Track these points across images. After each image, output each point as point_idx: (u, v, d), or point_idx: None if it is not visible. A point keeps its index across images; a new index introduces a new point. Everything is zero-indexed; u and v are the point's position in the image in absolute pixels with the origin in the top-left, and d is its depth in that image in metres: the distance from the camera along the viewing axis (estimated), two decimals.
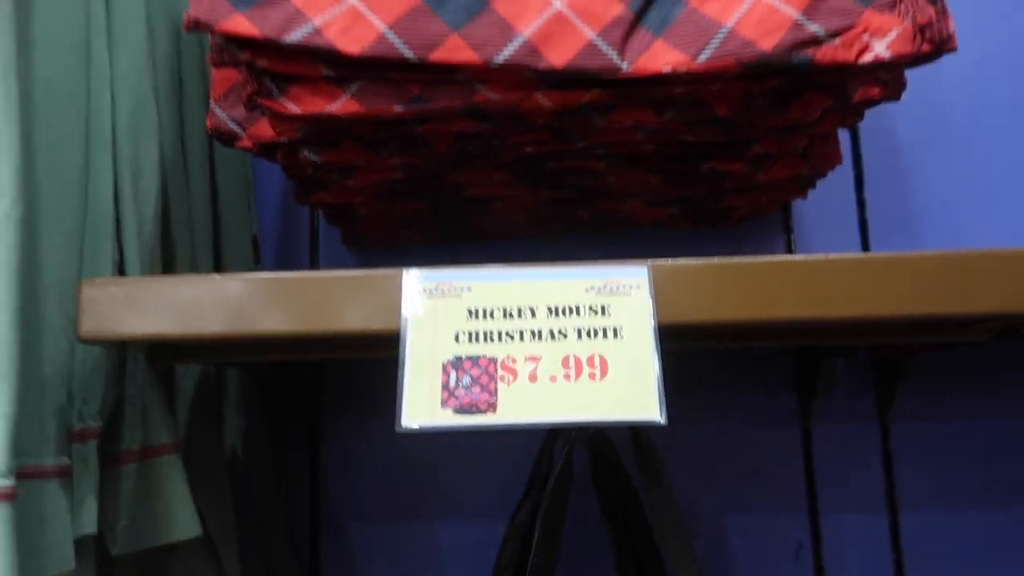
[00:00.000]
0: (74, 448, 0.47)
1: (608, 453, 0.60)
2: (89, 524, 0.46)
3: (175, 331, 0.43)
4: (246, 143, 0.55)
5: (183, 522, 0.51)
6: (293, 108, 0.47)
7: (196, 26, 0.44)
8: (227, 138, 0.55)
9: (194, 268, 0.63)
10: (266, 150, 0.56)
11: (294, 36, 0.45)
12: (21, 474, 0.42)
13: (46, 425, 0.46)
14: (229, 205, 0.70)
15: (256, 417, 0.69)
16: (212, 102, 0.54)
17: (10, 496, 0.40)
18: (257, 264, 0.74)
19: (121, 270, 0.52)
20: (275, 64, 0.46)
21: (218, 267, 0.67)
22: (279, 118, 0.48)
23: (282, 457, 0.74)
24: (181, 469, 0.51)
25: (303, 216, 0.80)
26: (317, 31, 0.45)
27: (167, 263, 0.58)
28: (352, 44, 0.45)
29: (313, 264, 0.79)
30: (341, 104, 0.47)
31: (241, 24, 0.44)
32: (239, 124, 0.54)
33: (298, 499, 0.75)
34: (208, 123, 0.55)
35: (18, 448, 0.42)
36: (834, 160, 0.62)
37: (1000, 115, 0.76)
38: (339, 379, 0.77)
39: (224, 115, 0.54)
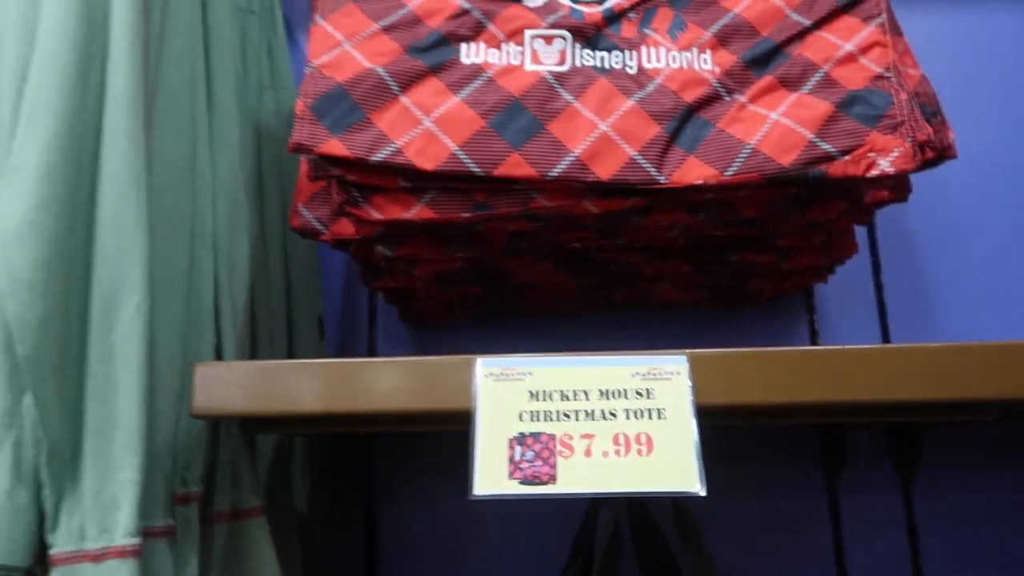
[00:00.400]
0: (177, 511, 0.54)
1: (647, 520, 0.65)
2: None
3: (276, 409, 0.50)
4: (326, 238, 0.62)
5: None
6: (376, 215, 0.54)
7: (298, 148, 0.52)
8: (311, 235, 0.63)
9: (272, 345, 0.70)
10: (342, 244, 0.64)
11: (379, 156, 0.53)
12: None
13: (157, 490, 0.52)
14: (299, 289, 0.78)
15: (319, 481, 0.75)
16: (300, 205, 0.62)
17: (138, 553, 0.46)
18: (322, 339, 0.81)
19: (219, 353, 0.59)
20: (361, 178, 0.54)
21: (290, 343, 0.74)
22: (363, 223, 0.55)
23: (340, 518, 0.79)
24: (267, 530, 0.58)
25: (362, 297, 0.87)
26: (398, 151, 0.53)
27: (252, 343, 0.66)
28: (427, 161, 0.53)
29: (371, 339, 0.86)
30: (416, 211, 0.55)
31: (335, 147, 0.53)
32: (322, 223, 0.61)
33: (354, 559, 0.80)
34: (295, 223, 0.63)
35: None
36: (851, 250, 0.69)
37: (1007, 208, 0.82)
38: (391, 449, 0.83)
39: (310, 215, 0.61)
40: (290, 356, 0.73)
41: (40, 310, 0.48)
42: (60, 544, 0.47)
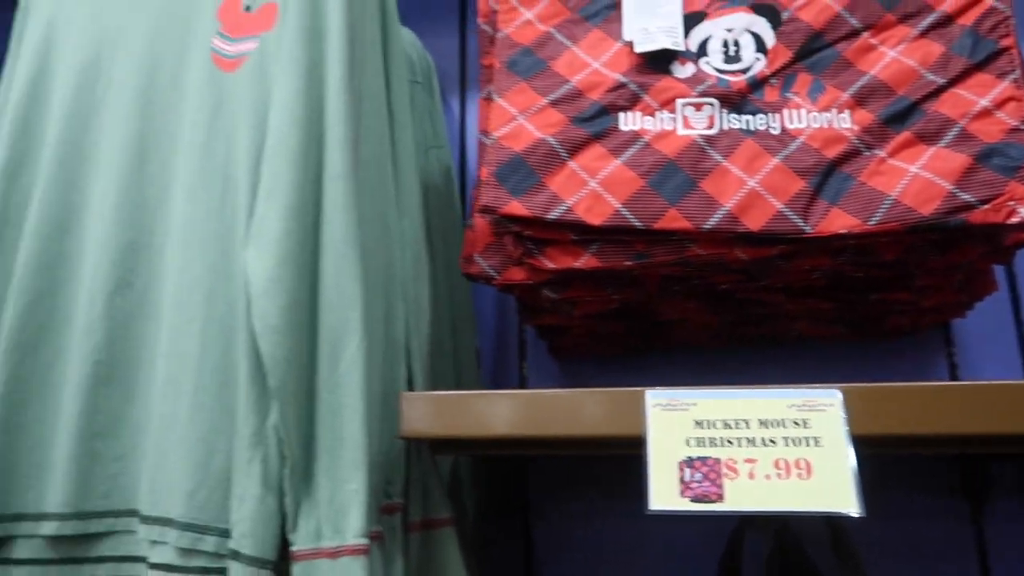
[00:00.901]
0: (383, 519, 0.63)
1: (794, 543, 0.69)
2: None
3: (469, 433, 0.58)
4: (498, 283, 0.71)
5: None
6: (549, 264, 0.63)
7: (485, 210, 0.62)
8: (484, 281, 0.71)
9: (443, 376, 0.80)
10: (509, 288, 0.72)
11: (553, 214, 0.61)
12: None
13: (370, 501, 0.61)
14: (461, 326, 0.87)
15: (484, 496, 0.84)
16: (475, 255, 0.71)
17: (367, 551, 0.55)
18: (479, 370, 0.90)
19: (410, 384, 0.68)
20: (537, 232, 0.63)
21: (457, 375, 0.83)
22: (537, 271, 0.64)
23: (499, 536, 0.88)
24: (455, 539, 0.66)
25: (512, 333, 0.96)
26: (569, 209, 0.61)
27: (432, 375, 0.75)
28: (595, 218, 0.61)
29: (522, 371, 0.94)
30: (584, 260, 0.63)
31: (516, 208, 0.61)
32: (495, 270, 0.70)
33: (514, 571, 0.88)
34: (472, 270, 0.72)
35: None
36: (990, 288, 0.72)
37: None
38: (543, 471, 0.90)
39: (484, 264, 0.70)
40: (457, 387, 0.82)
41: (285, 349, 0.58)
42: (300, 542, 0.57)
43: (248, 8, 0.72)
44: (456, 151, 1.01)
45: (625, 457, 0.85)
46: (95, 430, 0.67)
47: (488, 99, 0.71)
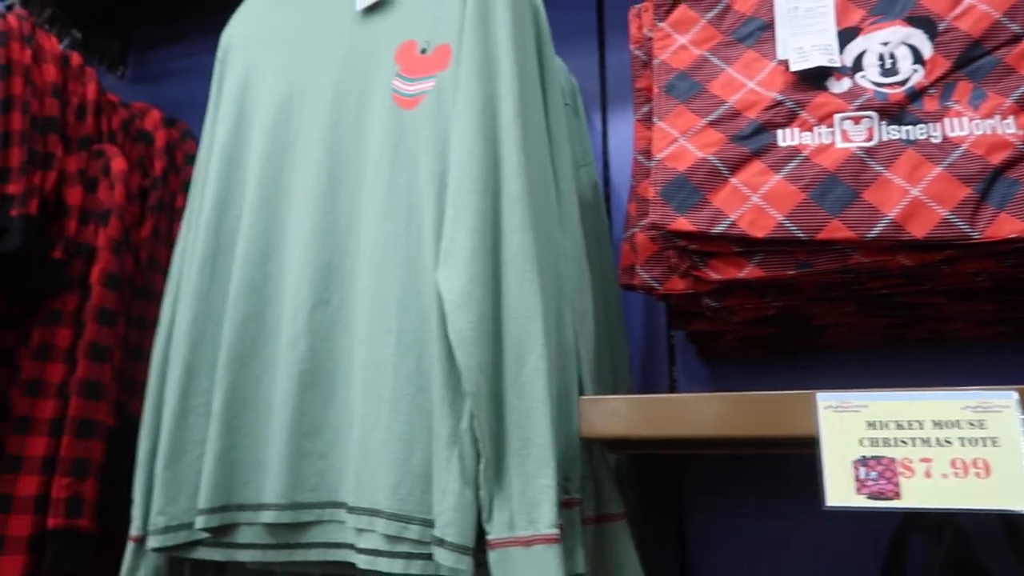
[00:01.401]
0: (563, 513, 0.69)
1: (964, 545, 0.70)
2: (579, 566, 0.67)
3: (649, 433, 0.63)
4: (659, 293, 0.76)
5: (630, 573, 0.70)
6: (713, 275, 0.67)
7: (653, 227, 0.66)
8: (645, 291, 0.76)
9: (603, 381, 0.85)
10: (667, 297, 0.77)
11: (718, 229, 0.65)
12: None
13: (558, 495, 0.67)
14: (614, 334, 0.93)
15: (639, 495, 0.88)
16: (638, 267, 0.76)
17: (559, 541, 0.61)
18: (631, 375, 0.95)
19: (580, 389, 0.74)
20: (702, 246, 0.67)
21: (614, 380, 0.89)
22: (701, 282, 0.68)
23: (654, 530, 0.92)
24: (628, 533, 0.71)
25: (660, 338, 1.00)
26: (733, 224, 0.65)
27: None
28: (758, 231, 0.65)
29: (672, 375, 0.98)
30: (748, 271, 0.66)
31: (683, 224, 0.66)
32: (656, 281, 0.75)
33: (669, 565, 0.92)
34: (635, 280, 0.77)
35: None
36: None
37: None
38: (696, 468, 0.94)
39: (646, 275, 0.75)
40: (614, 391, 0.88)
41: (477, 358, 0.65)
42: (495, 532, 0.64)
43: (424, 51, 0.80)
44: (600, 166, 1.06)
45: (782, 457, 0.88)
46: (303, 431, 0.76)
47: (646, 121, 0.76)
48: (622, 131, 1.08)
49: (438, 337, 0.68)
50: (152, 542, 0.78)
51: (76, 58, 1.13)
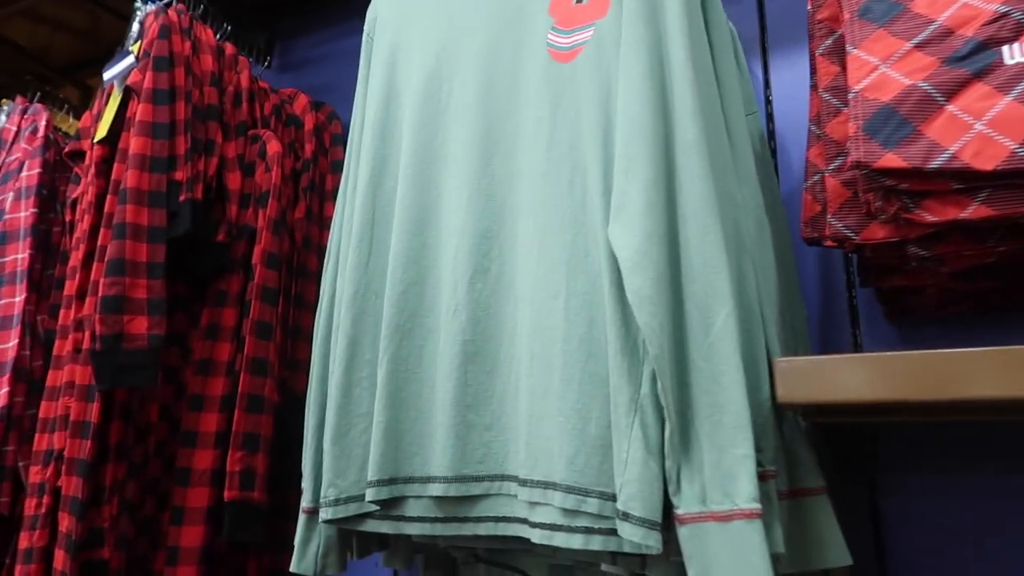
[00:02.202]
0: (759, 486, 0.63)
1: None
2: (778, 544, 0.61)
3: (853, 397, 0.56)
4: (853, 243, 0.68)
5: (835, 552, 0.63)
6: (929, 217, 0.59)
7: (857, 165, 0.59)
8: (837, 243, 0.69)
9: (786, 344, 0.78)
10: (861, 248, 0.69)
11: (935, 163, 0.57)
12: None
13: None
14: (791, 294, 0.85)
15: (830, 468, 0.80)
16: (829, 216, 0.68)
17: (760, 515, 0.56)
18: (809, 336, 0.87)
19: (768, 352, 0.67)
20: (914, 185, 0.59)
21: (794, 343, 0.81)
22: (913, 226, 0.60)
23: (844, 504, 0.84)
24: (831, 510, 0.64)
25: (840, 298, 0.91)
26: (953, 157, 0.57)
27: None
28: (985, 162, 0.56)
29: (855, 336, 0.89)
30: (972, 210, 0.58)
31: (892, 160, 0.58)
32: (851, 230, 0.67)
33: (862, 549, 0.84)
34: (823, 232, 0.69)
35: None
36: None
37: None
38: (892, 439, 0.85)
39: (839, 224, 0.68)
40: (795, 354, 0.80)
41: (660, 318, 0.60)
42: (685, 506, 0.59)
43: (580, 0, 0.75)
44: (763, 117, 0.98)
45: (986, 426, 0.78)
46: (467, 402, 0.73)
47: (831, 55, 0.68)
48: (785, 78, 1.00)
49: (611, 299, 0.64)
50: (324, 514, 0.78)
51: (230, 48, 1.17)
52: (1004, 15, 0.59)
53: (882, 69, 0.61)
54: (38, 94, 1.53)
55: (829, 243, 0.71)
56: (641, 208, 0.62)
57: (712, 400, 0.59)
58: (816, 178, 0.75)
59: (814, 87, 0.79)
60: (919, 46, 0.61)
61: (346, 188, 0.93)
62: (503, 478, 0.72)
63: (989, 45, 0.59)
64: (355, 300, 0.82)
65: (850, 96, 0.61)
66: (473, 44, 0.83)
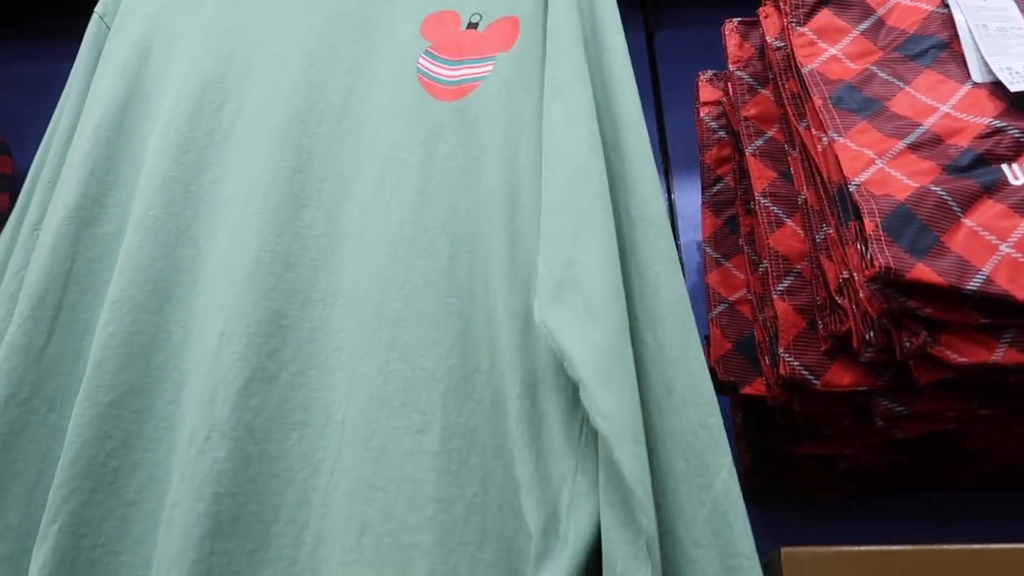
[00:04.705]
0: None
1: None
2: None
3: None
4: (815, 389, 0.51)
5: None
6: (958, 358, 0.44)
7: (881, 276, 0.43)
8: (791, 389, 0.52)
9: None
10: (808, 400, 0.53)
11: (971, 285, 0.44)
12: None
13: None
14: None
15: None
16: (781, 350, 0.51)
17: None
18: None
19: None
20: (936, 312, 0.44)
21: None
22: (934, 367, 0.45)
23: None
24: None
25: None
26: (989, 280, 0.44)
27: None
28: (1021, 291, 0.44)
29: None
30: (1002, 354, 0.44)
31: (925, 273, 0.43)
32: (811, 372, 0.51)
33: None
34: (778, 372, 0.52)
35: None
36: None
37: None
38: None
39: (796, 363, 0.51)
40: None
41: (644, 461, 0.36)
42: None
43: (474, 25, 0.54)
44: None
45: None
46: None
47: (762, 157, 0.55)
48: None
49: (537, 433, 0.38)
50: None
51: None
52: (999, 130, 0.50)
53: (879, 164, 0.49)
54: None
55: (760, 390, 0.54)
56: (606, 289, 0.39)
57: None
58: (721, 308, 0.59)
59: (706, 203, 0.66)
60: (912, 148, 0.50)
61: (14, 234, 0.56)
62: None
63: (988, 161, 0.49)
64: (5, 412, 0.45)
65: (851, 189, 0.47)
66: (284, 50, 0.57)
